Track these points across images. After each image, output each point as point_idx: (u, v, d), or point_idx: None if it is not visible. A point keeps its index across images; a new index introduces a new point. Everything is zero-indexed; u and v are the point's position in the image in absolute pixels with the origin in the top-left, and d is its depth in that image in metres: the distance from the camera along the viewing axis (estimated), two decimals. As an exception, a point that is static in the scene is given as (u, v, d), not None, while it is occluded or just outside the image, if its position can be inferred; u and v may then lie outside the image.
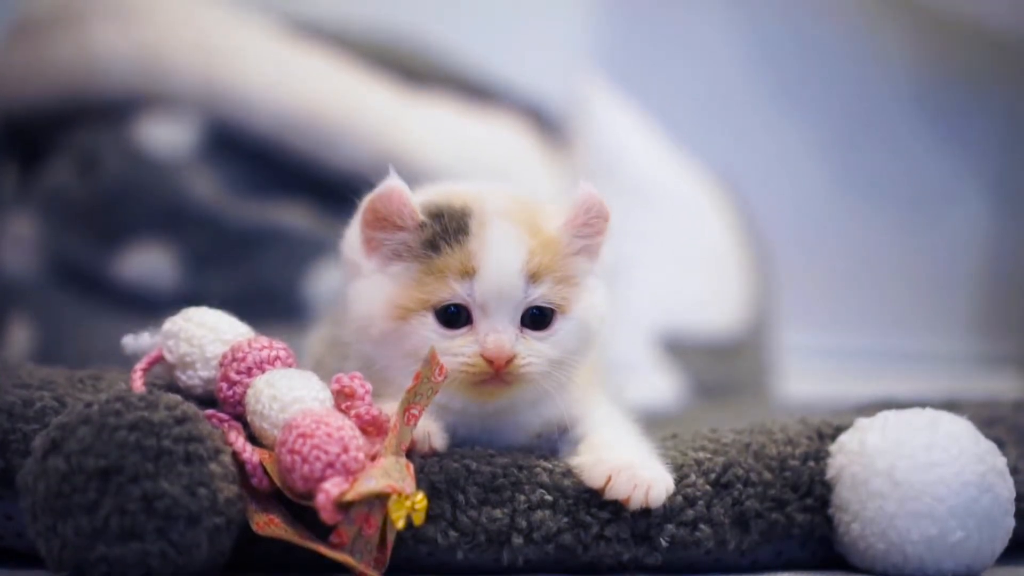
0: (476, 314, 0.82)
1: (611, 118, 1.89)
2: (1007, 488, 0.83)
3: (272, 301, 1.48)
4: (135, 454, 0.71)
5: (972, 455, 0.82)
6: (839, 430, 0.88)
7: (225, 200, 1.55)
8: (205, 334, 0.82)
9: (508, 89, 1.83)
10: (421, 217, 0.83)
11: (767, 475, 0.84)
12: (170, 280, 1.50)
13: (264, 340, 0.82)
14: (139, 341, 0.83)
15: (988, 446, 0.84)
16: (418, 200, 0.84)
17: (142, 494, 0.71)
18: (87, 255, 1.53)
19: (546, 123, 1.83)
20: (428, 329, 0.81)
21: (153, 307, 0.91)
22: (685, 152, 1.96)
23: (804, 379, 1.90)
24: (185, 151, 1.56)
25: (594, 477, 0.80)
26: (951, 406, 0.89)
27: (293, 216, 1.57)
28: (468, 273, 0.81)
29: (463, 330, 0.82)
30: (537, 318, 0.83)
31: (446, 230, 0.82)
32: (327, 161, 1.59)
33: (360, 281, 0.84)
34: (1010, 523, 0.83)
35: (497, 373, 0.81)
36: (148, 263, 1.51)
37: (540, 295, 0.82)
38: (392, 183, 0.83)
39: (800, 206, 2.18)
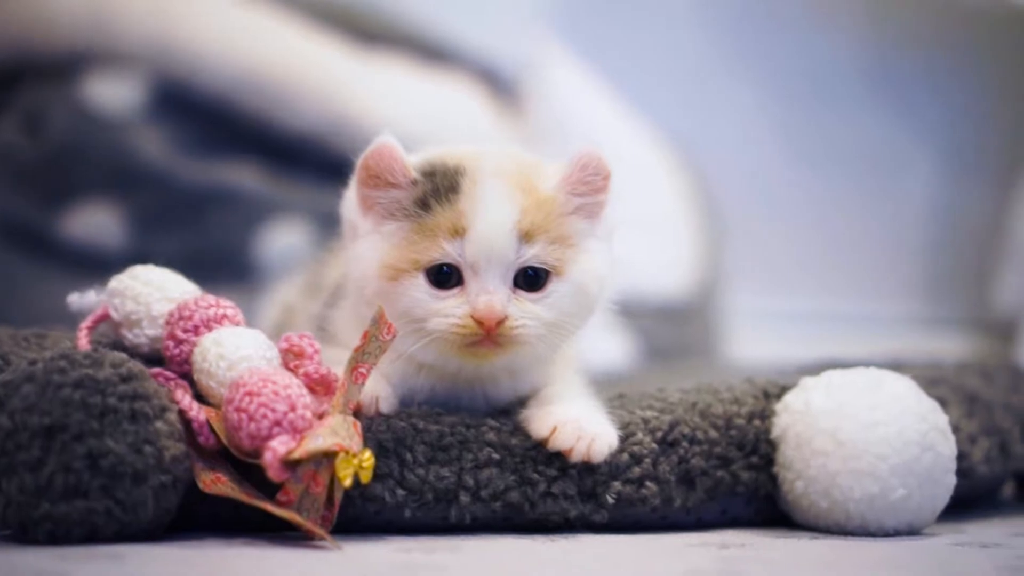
0: (467, 274, 0.80)
1: (565, 80, 1.89)
2: (948, 447, 0.84)
3: (222, 262, 1.47)
4: (80, 412, 0.71)
5: (914, 414, 0.83)
6: (784, 390, 0.89)
7: (174, 159, 1.53)
8: (151, 292, 0.81)
9: (462, 50, 1.82)
10: (413, 174, 0.82)
11: (713, 433, 0.85)
12: (118, 240, 1.49)
13: (211, 298, 0.81)
14: (84, 299, 0.83)
15: (930, 405, 0.85)
16: (413, 159, 0.83)
17: (87, 452, 0.71)
18: (34, 214, 1.51)
19: (500, 84, 1.83)
20: (419, 290, 0.80)
21: (101, 267, 0.90)
22: (639, 116, 1.96)
23: (754, 342, 1.92)
24: (134, 109, 1.54)
25: (539, 428, 0.81)
26: (895, 367, 0.90)
27: (243, 176, 1.56)
28: (458, 232, 0.80)
29: (454, 291, 0.80)
30: (531, 279, 0.81)
31: (437, 188, 0.81)
32: (278, 121, 1.58)
33: (358, 242, 0.83)
34: (951, 481, 0.84)
35: (488, 334, 0.79)
36: (95, 222, 1.50)
37: (533, 255, 0.81)
38: (384, 139, 0.82)
39: (751, 171, 2.19)
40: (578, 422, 0.81)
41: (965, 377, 1.00)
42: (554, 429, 0.81)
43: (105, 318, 0.82)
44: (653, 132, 1.94)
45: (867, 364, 0.89)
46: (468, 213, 0.80)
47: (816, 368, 0.90)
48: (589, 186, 0.83)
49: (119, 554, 0.69)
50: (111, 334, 0.83)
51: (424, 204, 0.81)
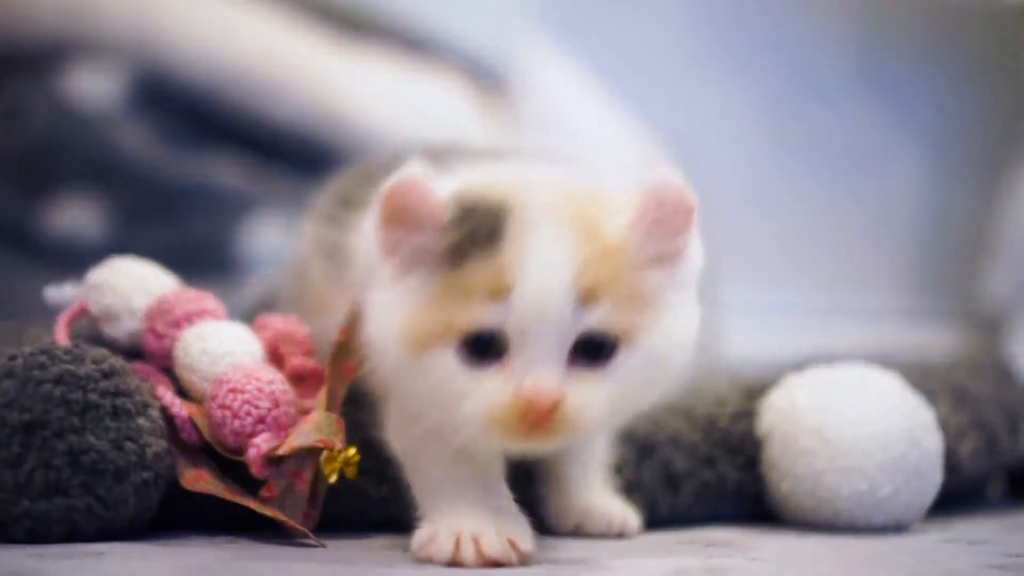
0: (512, 344, 0.64)
1: (554, 74, 1.88)
2: (935, 443, 0.84)
3: (204, 256, 1.46)
4: (60, 408, 0.70)
5: (900, 410, 0.83)
6: (769, 388, 0.88)
7: (155, 153, 1.52)
8: (131, 285, 0.80)
9: (448, 42, 1.81)
10: (445, 216, 0.66)
11: (696, 435, 0.85)
12: (98, 235, 1.48)
13: (192, 292, 0.81)
14: (62, 293, 0.81)
15: (917, 401, 0.85)
16: (447, 192, 0.67)
17: (67, 449, 0.69)
18: (12, 209, 1.49)
19: (487, 78, 1.82)
20: (449, 366, 0.64)
21: (80, 260, 0.89)
22: (627, 111, 1.95)
23: (740, 335, 1.92)
24: (114, 102, 1.53)
25: (562, 523, 0.79)
26: (881, 361, 0.89)
27: (226, 170, 1.55)
28: (501, 292, 0.63)
29: (494, 366, 0.64)
30: (593, 350, 0.64)
31: (475, 234, 0.65)
32: (261, 114, 1.57)
33: (376, 293, 0.68)
34: (938, 477, 0.84)
35: (538, 421, 0.63)
36: (75, 217, 1.48)
37: (596, 321, 0.64)
38: (412, 171, 0.66)
39: (740, 165, 2.19)
40: (605, 511, 0.78)
41: (952, 372, 0.99)
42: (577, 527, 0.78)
43: (84, 312, 0.81)
44: (642, 127, 1.94)
45: (853, 359, 0.88)
46: (513, 267, 0.64)
47: (802, 363, 0.90)
48: (668, 226, 0.66)
49: (99, 552, 0.68)
50: (91, 328, 0.82)
51: (458, 254, 0.65)
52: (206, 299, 0.80)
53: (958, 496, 0.91)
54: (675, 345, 0.67)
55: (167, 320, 0.78)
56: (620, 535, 0.77)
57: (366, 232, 0.69)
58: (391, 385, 0.70)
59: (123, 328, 0.80)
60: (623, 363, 0.65)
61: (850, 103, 2.23)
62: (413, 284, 0.66)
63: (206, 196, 1.52)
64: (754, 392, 0.89)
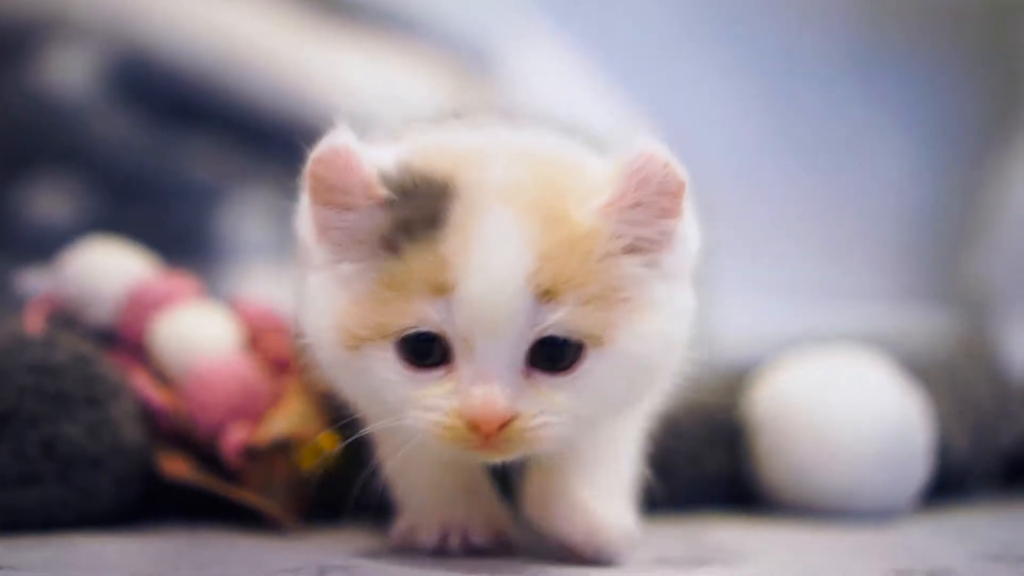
0: (457, 349, 0.55)
1: (541, 58, 1.87)
2: (925, 428, 0.83)
3: (183, 241, 1.44)
4: (33, 397, 0.69)
5: (889, 396, 0.82)
6: (756, 375, 0.87)
7: (133, 137, 1.50)
8: (106, 269, 0.79)
9: (432, 24, 1.80)
10: (381, 192, 0.56)
11: (686, 424, 0.84)
12: (74, 221, 1.46)
13: (168, 277, 0.79)
14: (36, 279, 0.80)
15: (906, 388, 0.84)
16: (384, 163, 0.57)
17: (41, 438, 0.68)
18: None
19: (472, 61, 1.81)
20: (388, 368, 0.56)
21: (56, 249, 0.88)
22: (616, 95, 1.94)
23: (730, 314, 1.91)
24: (90, 86, 1.51)
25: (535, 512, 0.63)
26: (871, 343, 0.89)
27: (205, 155, 1.54)
28: (442, 288, 0.54)
29: (440, 371, 0.56)
30: (555, 354, 0.55)
31: (414, 217, 0.55)
32: (240, 97, 1.55)
33: (311, 279, 0.59)
34: (928, 463, 0.83)
35: (487, 440, 0.55)
36: (50, 203, 1.47)
37: (558, 321, 0.54)
38: (337, 139, 0.56)
39: (729, 146, 2.18)
40: (586, 506, 0.61)
41: (941, 356, 0.99)
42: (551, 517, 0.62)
43: (58, 298, 0.79)
44: (631, 113, 1.93)
45: (842, 341, 0.88)
46: (457, 259, 0.54)
47: (791, 345, 0.89)
48: (652, 208, 0.56)
49: (74, 542, 0.67)
50: (65, 315, 0.80)
51: (396, 240, 0.56)
52: (182, 284, 0.79)
53: (951, 483, 0.90)
54: (658, 346, 0.57)
55: (142, 305, 0.77)
56: (596, 553, 0.61)
57: (301, 209, 0.60)
58: (332, 381, 0.61)
59: (97, 313, 0.78)
60: (591, 369, 0.55)
61: (840, 87, 2.22)
62: (346, 272, 0.57)
63: (184, 180, 1.50)
64: (742, 379, 0.87)
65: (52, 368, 0.70)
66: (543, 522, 0.62)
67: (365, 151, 0.57)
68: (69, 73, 1.50)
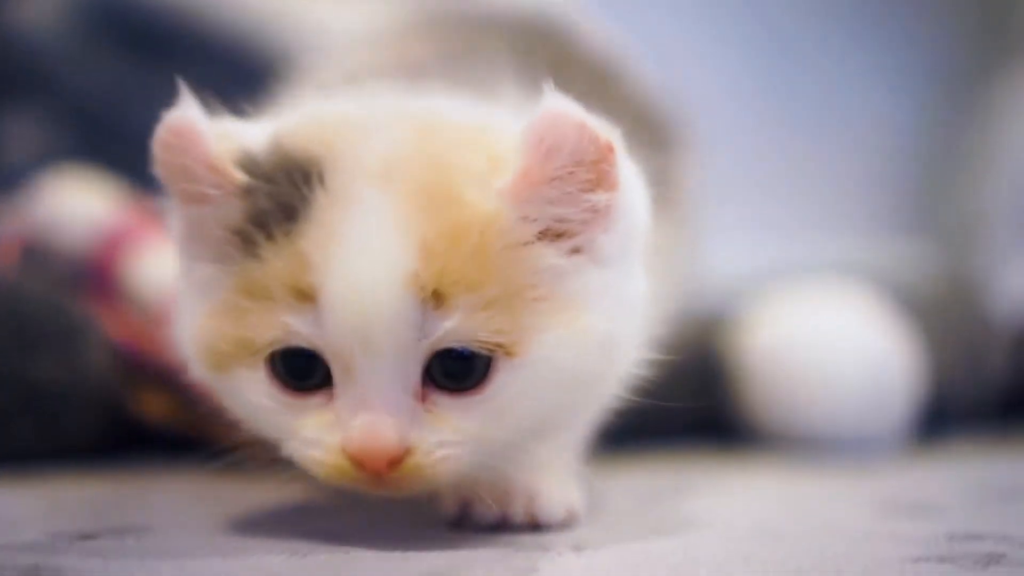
0: (335, 369, 0.45)
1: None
2: (907, 362, 0.83)
3: (153, 179, 1.43)
4: (4, 337, 0.68)
5: (873, 331, 0.82)
6: (741, 312, 0.86)
7: (105, 73, 1.48)
8: (76, 206, 0.78)
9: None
10: (235, 177, 0.46)
11: (661, 371, 0.82)
12: (44, 158, 1.44)
13: (139, 213, 0.78)
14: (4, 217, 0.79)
15: (890, 321, 0.83)
16: (249, 142, 0.47)
17: (11, 375, 0.68)
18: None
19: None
20: (260, 392, 0.46)
21: (26, 184, 0.86)
22: (610, 32, 1.92)
23: (715, 248, 1.90)
24: (63, 21, 1.48)
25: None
26: (861, 278, 0.88)
27: (169, 81, 1.51)
28: (305, 294, 0.44)
29: (321, 395, 0.46)
30: (457, 369, 0.45)
31: (273, 207, 0.45)
32: (214, 34, 1.53)
33: (178, 281, 0.50)
34: (913, 399, 0.83)
35: (377, 479, 0.45)
36: (20, 140, 1.45)
37: (451, 330, 0.44)
38: (180, 115, 0.46)
39: (718, 89, 2.17)
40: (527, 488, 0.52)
41: (931, 289, 0.97)
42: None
43: (28, 233, 0.78)
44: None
45: (830, 274, 0.87)
46: (318, 257, 0.44)
47: (780, 278, 0.88)
48: (571, 182, 0.45)
49: (46, 477, 0.66)
50: (34, 250, 0.79)
51: (254, 236, 0.45)
52: (154, 220, 0.77)
53: (944, 418, 0.88)
54: (590, 350, 0.46)
55: (113, 241, 0.76)
56: (534, 524, 0.51)
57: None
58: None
59: (68, 249, 0.77)
60: (504, 385, 0.45)
61: (825, 20, 2.21)
62: (202, 276, 0.47)
63: (158, 117, 1.48)
64: (721, 319, 0.86)
65: (23, 306, 0.70)
66: (481, 507, 0.51)
67: (219, 127, 0.46)
68: (43, 8, 1.47)
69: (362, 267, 0.44)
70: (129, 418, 0.72)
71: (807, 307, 0.84)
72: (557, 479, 0.53)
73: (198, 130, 0.46)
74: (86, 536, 0.51)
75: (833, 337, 0.81)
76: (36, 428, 0.69)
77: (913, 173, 2.23)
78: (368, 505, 0.52)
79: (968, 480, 0.73)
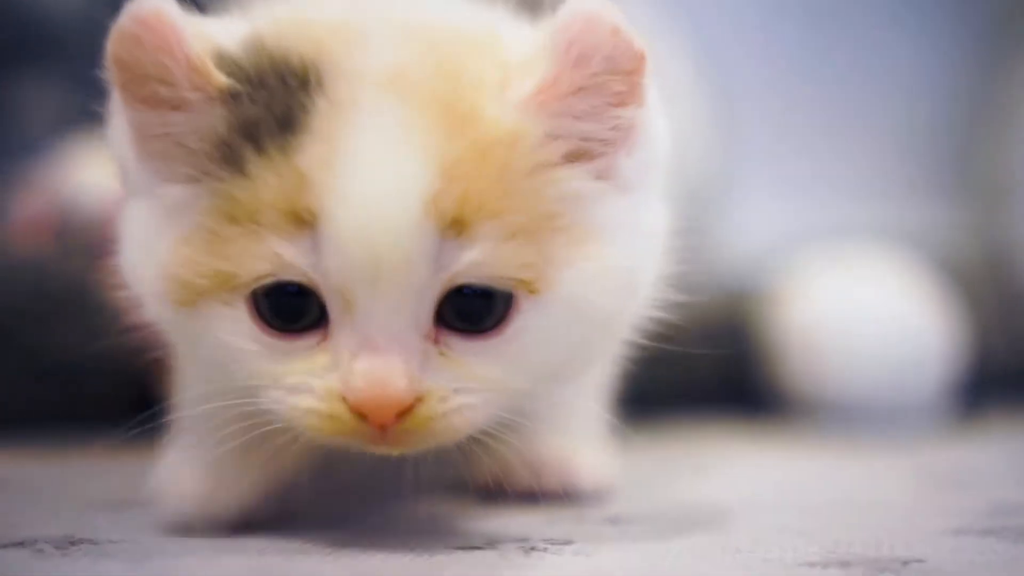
0: (333, 306, 0.38)
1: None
2: (945, 333, 0.82)
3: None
4: (26, 305, 0.69)
5: (910, 301, 0.81)
6: (769, 283, 0.85)
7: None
8: (94, 178, 0.77)
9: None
10: (217, 80, 0.39)
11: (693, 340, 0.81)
12: (61, 122, 1.44)
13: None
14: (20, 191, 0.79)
15: (926, 290, 0.83)
16: (223, 41, 0.40)
17: (32, 343, 0.69)
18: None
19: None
20: (238, 332, 0.39)
21: (43, 151, 0.86)
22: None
23: (745, 208, 1.89)
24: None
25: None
26: (889, 239, 0.87)
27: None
28: (303, 219, 0.37)
29: (314, 336, 0.39)
30: (474, 308, 0.39)
31: (262, 116, 0.38)
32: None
33: (133, 204, 0.42)
34: (947, 368, 0.82)
35: (382, 432, 0.39)
36: (37, 105, 1.44)
37: (473, 263, 0.38)
38: (149, 4, 0.38)
39: (758, 69, 2.15)
40: (559, 457, 0.50)
41: (963, 254, 0.96)
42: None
43: (57, 216, 0.78)
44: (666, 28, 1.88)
45: (858, 240, 0.86)
46: (321, 177, 0.37)
47: (804, 246, 0.87)
48: (599, 95, 0.39)
49: (77, 447, 0.66)
50: (65, 234, 0.79)
51: (239, 150, 0.38)
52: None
53: (990, 386, 0.87)
54: (615, 286, 0.40)
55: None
56: (567, 493, 0.50)
57: (112, 112, 0.42)
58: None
59: (90, 221, 0.77)
60: (525, 326, 0.39)
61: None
62: (173, 198, 0.39)
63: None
64: (754, 289, 0.85)
65: (44, 280, 0.71)
66: (514, 478, 0.49)
67: (192, 22, 0.39)
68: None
69: (373, 187, 0.37)
70: (155, 388, 0.72)
71: (843, 276, 0.83)
72: (589, 444, 0.52)
73: (173, 21, 0.38)
74: (118, 505, 0.51)
75: (870, 306, 0.81)
76: (62, 399, 0.69)
77: (947, 137, 2.20)
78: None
79: (1009, 451, 0.72)
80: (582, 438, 0.52)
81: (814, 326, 0.81)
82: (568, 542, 0.44)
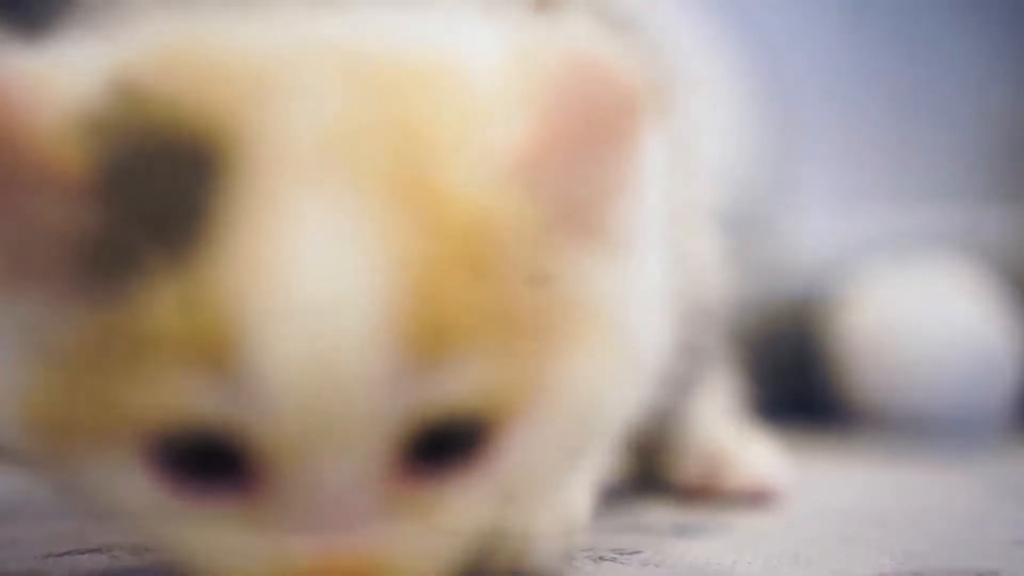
0: (261, 461, 0.27)
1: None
2: (1012, 344, 0.81)
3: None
4: None
5: (976, 311, 0.81)
6: (829, 294, 0.85)
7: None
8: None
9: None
10: (83, 163, 0.26)
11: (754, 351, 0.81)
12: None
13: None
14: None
15: (991, 299, 0.82)
16: (70, 89, 0.26)
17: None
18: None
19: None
20: (131, 490, 0.27)
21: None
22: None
23: (809, 216, 1.87)
24: None
25: None
26: (951, 248, 0.86)
27: None
28: (216, 355, 0.25)
29: (233, 486, 0.27)
30: (453, 437, 0.28)
31: (148, 210, 0.26)
32: None
33: None
34: (1014, 376, 0.81)
35: None
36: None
37: (449, 391, 0.27)
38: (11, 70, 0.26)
39: (818, 75, 2.13)
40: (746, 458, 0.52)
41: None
42: None
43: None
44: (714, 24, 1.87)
45: (922, 247, 0.85)
46: (235, 289, 0.25)
47: (867, 254, 0.86)
48: (590, 144, 0.28)
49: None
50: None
51: (117, 258, 0.26)
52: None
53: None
54: (616, 372, 0.30)
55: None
56: (760, 499, 0.48)
57: None
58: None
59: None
60: (517, 445, 0.28)
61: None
62: (32, 316, 0.27)
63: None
64: (816, 300, 0.85)
65: None
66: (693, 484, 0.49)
67: (39, 79, 0.27)
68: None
69: (313, 301, 0.25)
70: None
71: (909, 285, 0.82)
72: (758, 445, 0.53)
73: (26, 90, 0.26)
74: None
75: (937, 315, 0.80)
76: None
77: (1009, 141, 2.17)
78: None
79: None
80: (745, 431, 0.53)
81: (880, 335, 0.81)
82: (636, 552, 0.44)
